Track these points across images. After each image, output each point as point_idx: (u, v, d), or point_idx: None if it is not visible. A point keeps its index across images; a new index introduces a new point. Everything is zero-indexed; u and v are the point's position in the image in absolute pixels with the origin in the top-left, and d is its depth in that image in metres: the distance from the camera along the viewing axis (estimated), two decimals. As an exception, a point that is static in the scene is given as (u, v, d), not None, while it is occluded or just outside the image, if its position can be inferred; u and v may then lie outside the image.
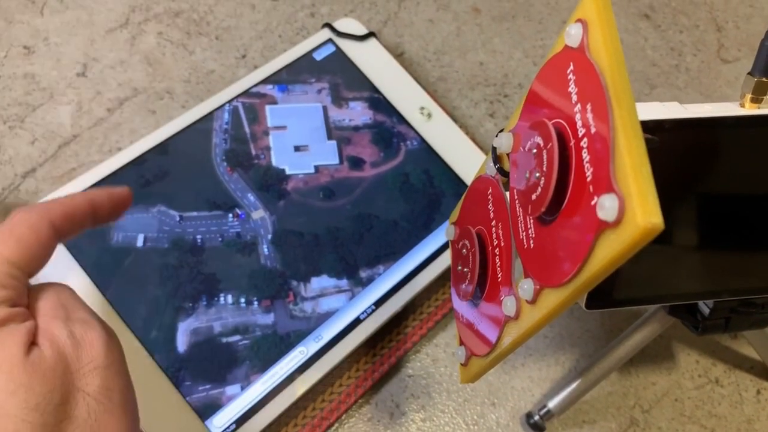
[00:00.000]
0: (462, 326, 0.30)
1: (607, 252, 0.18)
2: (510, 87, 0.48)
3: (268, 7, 0.48)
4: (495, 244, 0.27)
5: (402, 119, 0.43)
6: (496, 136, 0.26)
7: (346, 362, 0.38)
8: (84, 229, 0.28)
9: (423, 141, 0.43)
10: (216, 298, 0.37)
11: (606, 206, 0.18)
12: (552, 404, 0.37)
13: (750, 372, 0.41)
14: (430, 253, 0.40)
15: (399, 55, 0.48)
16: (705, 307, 0.33)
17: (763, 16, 0.54)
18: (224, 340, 0.36)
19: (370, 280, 0.38)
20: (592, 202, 0.19)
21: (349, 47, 0.44)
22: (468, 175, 0.42)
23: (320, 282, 0.38)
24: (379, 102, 0.43)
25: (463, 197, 0.32)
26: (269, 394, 0.35)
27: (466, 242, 0.29)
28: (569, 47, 0.21)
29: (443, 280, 0.40)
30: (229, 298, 0.37)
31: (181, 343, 0.35)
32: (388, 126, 0.43)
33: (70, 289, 0.27)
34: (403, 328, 0.39)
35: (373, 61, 0.44)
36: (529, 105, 0.24)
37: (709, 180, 0.29)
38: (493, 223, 0.27)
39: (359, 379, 0.38)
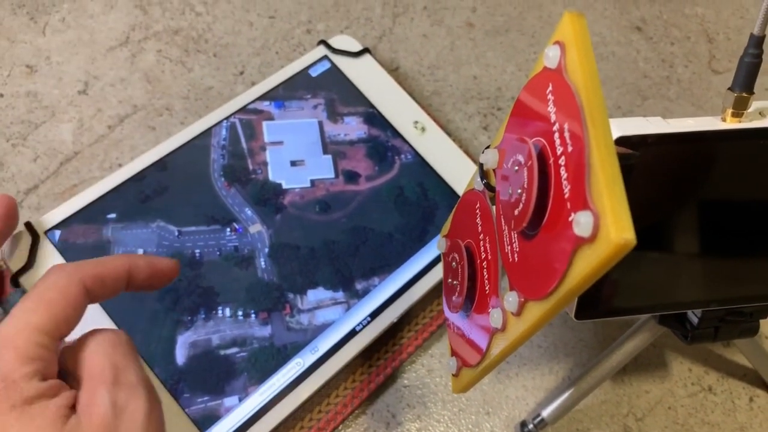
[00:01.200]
0: (454, 337, 0.31)
1: (584, 266, 0.19)
2: (503, 100, 0.49)
3: (266, 25, 0.49)
4: (483, 257, 0.28)
5: (396, 133, 0.44)
6: (483, 152, 0.27)
7: (342, 373, 0.38)
8: (118, 293, 0.27)
9: (417, 154, 0.43)
10: (214, 311, 0.37)
11: (582, 222, 0.19)
12: (546, 413, 0.37)
13: (743, 380, 0.42)
14: (425, 264, 0.40)
15: (394, 70, 0.49)
16: (694, 316, 0.33)
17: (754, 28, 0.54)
18: (222, 352, 0.36)
19: (365, 291, 0.39)
20: (570, 219, 0.19)
21: (344, 63, 0.45)
22: (461, 188, 0.42)
23: (316, 294, 0.39)
24: (373, 116, 0.44)
25: (453, 211, 0.33)
26: (267, 405, 0.36)
27: (456, 255, 0.30)
28: (548, 68, 0.22)
29: (438, 291, 0.41)
30: (227, 311, 0.37)
31: (180, 355, 0.36)
32: (383, 140, 0.43)
33: (127, 342, 0.26)
34: (399, 339, 0.40)
35: (367, 76, 0.45)
36: (513, 123, 0.25)
37: (694, 192, 0.29)
38: (481, 236, 0.28)
39: (355, 389, 0.38)
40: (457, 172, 0.43)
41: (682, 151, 0.28)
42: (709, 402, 0.41)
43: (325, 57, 0.45)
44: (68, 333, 0.25)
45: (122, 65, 0.47)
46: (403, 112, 0.45)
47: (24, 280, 0.36)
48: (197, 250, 0.39)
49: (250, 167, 0.41)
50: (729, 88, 0.29)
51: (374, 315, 0.39)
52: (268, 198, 0.41)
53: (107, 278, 0.26)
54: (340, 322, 0.38)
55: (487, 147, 0.27)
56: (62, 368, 0.25)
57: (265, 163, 0.42)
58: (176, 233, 0.39)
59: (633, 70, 0.52)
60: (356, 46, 0.46)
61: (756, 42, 0.28)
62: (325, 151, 0.43)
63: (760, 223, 0.30)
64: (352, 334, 0.38)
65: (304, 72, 0.45)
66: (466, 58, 0.50)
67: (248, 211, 0.40)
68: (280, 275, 0.39)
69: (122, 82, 0.46)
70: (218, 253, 0.39)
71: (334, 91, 0.44)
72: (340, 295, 0.39)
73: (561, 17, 0.21)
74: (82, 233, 0.38)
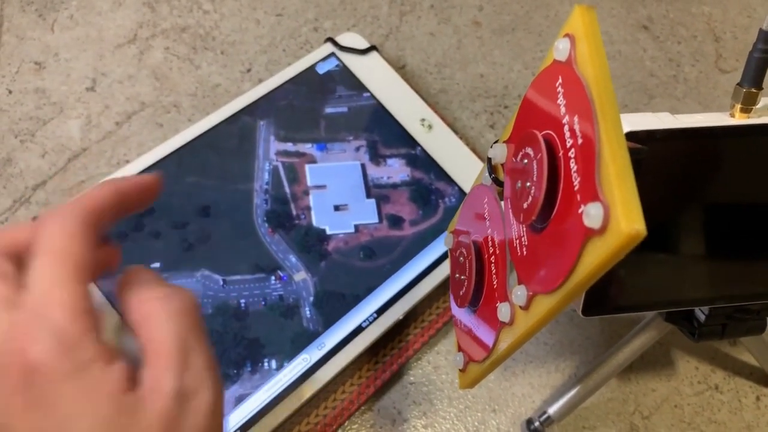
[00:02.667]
0: (461, 332, 0.31)
1: (594, 258, 0.19)
2: (510, 98, 0.49)
3: (273, 22, 0.50)
4: (491, 252, 0.28)
5: (404, 131, 0.44)
6: (491, 146, 0.27)
7: (348, 369, 0.38)
8: (117, 220, 0.25)
9: (424, 152, 0.43)
10: (260, 364, 0.37)
11: (592, 214, 0.19)
12: (552, 410, 0.37)
13: (749, 378, 0.41)
14: (432, 261, 0.40)
15: (401, 68, 0.49)
16: (701, 313, 0.33)
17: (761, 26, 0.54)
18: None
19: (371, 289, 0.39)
20: (579, 210, 0.19)
21: (351, 61, 0.45)
22: (468, 185, 0.42)
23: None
24: (416, 157, 0.43)
25: (460, 207, 0.33)
26: (273, 400, 0.36)
27: (463, 251, 0.30)
28: (558, 61, 0.22)
29: (444, 288, 0.41)
30: (273, 364, 0.37)
31: (227, 411, 0.35)
32: (426, 183, 0.42)
33: (197, 310, 0.24)
34: (405, 335, 0.40)
35: (374, 73, 0.45)
36: (522, 117, 0.25)
37: (702, 188, 0.29)
38: (489, 231, 0.28)
39: (362, 386, 0.38)
40: (464, 169, 0.43)
41: (690, 146, 0.28)
42: (715, 400, 0.41)
43: (333, 54, 0.45)
44: (93, 279, 0.23)
45: (130, 62, 0.47)
46: (410, 109, 0.45)
47: (32, 274, 0.36)
48: (242, 300, 0.38)
49: (294, 212, 0.41)
50: (738, 84, 0.29)
51: (380, 311, 0.39)
52: (312, 244, 0.40)
53: (101, 208, 0.24)
54: (346, 319, 0.38)
55: (496, 141, 0.27)
56: (125, 321, 0.23)
57: (309, 208, 0.41)
58: (221, 282, 0.38)
59: (640, 69, 0.52)
60: (363, 44, 0.46)
61: (765, 37, 0.28)
62: (369, 195, 0.42)
63: (769, 219, 0.30)
64: (359, 330, 0.38)
65: (311, 69, 0.45)
66: (473, 57, 0.50)
67: (293, 258, 0.39)
68: (325, 324, 0.38)
69: (130, 79, 0.46)
70: (263, 302, 0.38)
71: (376, 132, 0.43)
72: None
73: (570, 12, 0.21)
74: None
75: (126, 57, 0.47)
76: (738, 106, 0.28)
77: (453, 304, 0.32)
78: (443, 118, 0.46)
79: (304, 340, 0.37)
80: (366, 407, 0.39)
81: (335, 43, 0.45)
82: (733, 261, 0.31)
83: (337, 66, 0.45)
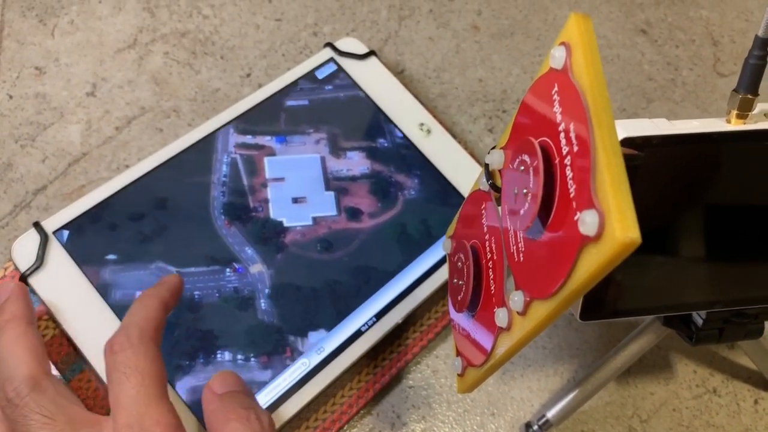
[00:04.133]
0: (459, 337, 0.31)
1: (590, 265, 0.19)
2: (508, 103, 0.49)
3: (272, 27, 0.50)
4: (488, 257, 0.28)
5: (402, 135, 0.44)
6: (488, 153, 0.27)
7: (347, 373, 0.38)
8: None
9: (423, 156, 0.44)
10: (213, 355, 0.37)
11: (587, 221, 0.19)
12: (551, 414, 0.38)
13: (747, 382, 0.42)
14: (431, 265, 0.41)
15: (400, 73, 0.49)
16: (698, 318, 0.34)
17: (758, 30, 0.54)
18: None
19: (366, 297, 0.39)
20: (575, 218, 0.20)
21: (350, 66, 0.45)
22: (466, 190, 0.43)
23: (318, 336, 0.38)
24: (376, 150, 0.43)
25: (458, 211, 0.33)
26: (272, 405, 0.36)
27: (461, 255, 0.30)
28: (554, 69, 0.22)
29: (443, 292, 0.41)
30: (227, 355, 0.37)
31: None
32: (386, 175, 0.42)
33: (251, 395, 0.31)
34: (404, 339, 0.40)
35: (373, 78, 0.45)
36: (518, 124, 0.25)
37: (698, 194, 0.29)
38: (487, 237, 0.28)
39: (361, 390, 0.39)
40: (463, 173, 0.43)
41: (686, 152, 0.28)
42: (713, 404, 0.41)
43: (332, 59, 0.45)
44: None
45: (130, 67, 0.47)
46: (409, 114, 0.45)
47: (33, 280, 0.36)
48: (196, 292, 0.38)
49: (251, 205, 0.41)
50: (734, 90, 0.29)
51: (379, 316, 0.39)
52: (269, 237, 0.40)
53: (158, 325, 0.30)
54: (345, 323, 0.38)
55: (493, 147, 0.27)
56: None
57: (267, 201, 0.41)
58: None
59: (638, 73, 0.52)
60: (362, 49, 0.46)
61: (761, 44, 0.28)
62: (328, 188, 0.42)
63: (765, 224, 0.30)
64: (358, 334, 0.38)
65: (310, 74, 0.45)
66: (472, 61, 0.51)
67: (249, 251, 0.39)
68: (280, 317, 0.38)
69: (130, 84, 0.46)
70: (218, 294, 0.38)
71: (336, 124, 0.43)
72: None
73: (566, 19, 0.22)
74: (90, 234, 0.38)
75: (126, 62, 0.47)
76: (734, 112, 0.29)
77: (451, 309, 0.32)
78: (442, 123, 0.46)
79: (258, 333, 0.38)
80: (365, 411, 0.39)
81: (334, 48, 0.46)
82: (730, 266, 0.31)
83: (336, 71, 0.45)
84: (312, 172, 0.42)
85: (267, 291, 0.38)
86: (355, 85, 0.45)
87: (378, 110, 0.44)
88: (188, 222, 0.40)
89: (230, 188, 0.41)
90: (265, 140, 0.43)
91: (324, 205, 0.41)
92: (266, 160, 0.42)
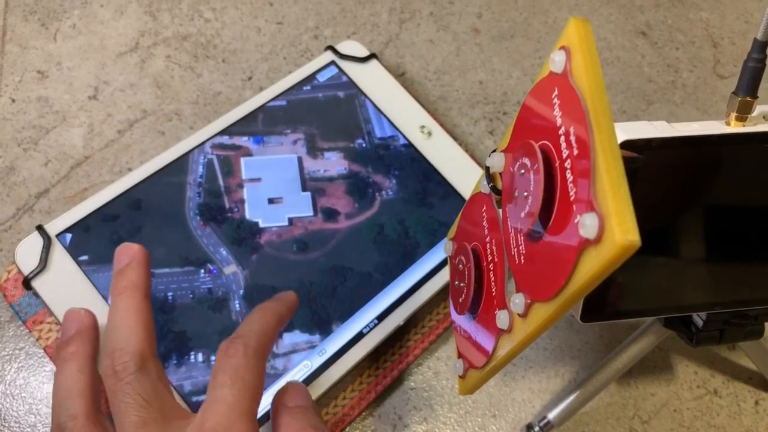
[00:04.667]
0: (460, 339, 0.31)
1: (590, 267, 0.19)
2: (509, 105, 0.49)
3: (273, 30, 0.50)
4: (489, 259, 0.28)
5: (403, 138, 0.44)
6: (489, 156, 0.27)
7: (349, 376, 0.39)
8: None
9: (424, 158, 0.44)
10: (186, 357, 0.36)
11: (587, 224, 0.19)
12: (552, 415, 0.38)
13: (748, 383, 0.42)
14: (432, 268, 0.41)
15: (400, 75, 0.49)
16: (699, 319, 0.34)
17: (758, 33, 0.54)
18: (194, 399, 0.36)
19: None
20: (575, 220, 0.20)
21: (351, 69, 0.46)
22: (468, 192, 0.43)
23: (292, 338, 0.38)
24: (354, 151, 0.43)
25: (459, 214, 0.33)
26: (275, 406, 0.36)
27: (463, 258, 0.30)
28: (554, 73, 0.22)
29: (444, 294, 0.41)
30: (200, 356, 0.37)
31: None
32: (364, 176, 0.42)
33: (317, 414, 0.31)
34: (406, 341, 0.40)
35: (374, 81, 0.46)
36: (519, 127, 0.25)
37: (698, 196, 0.30)
38: (488, 239, 0.28)
39: (362, 392, 0.39)
40: (464, 176, 0.43)
41: (686, 154, 0.29)
42: (714, 405, 0.41)
43: (333, 62, 0.46)
44: None
45: (132, 71, 0.47)
46: (410, 116, 0.45)
47: (36, 283, 0.36)
48: (170, 293, 0.38)
49: (227, 205, 0.40)
50: (733, 92, 0.29)
51: (381, 318, 0.39)
52: (244, 237, 0.40)
53: (271, 341, 0.31)
54: (347, 325, 0.38)
55: (494, 150, 0.27)
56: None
57: (242, 201, 0.41)
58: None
59: (638, 75, 0.52)
60: (363, 52, 0.46)
61: (760, 46, 0.28)
62: (304, 188, 0.42)
63: (765, 226, 0.30)
64: (360, 336, 0.38)
65: (311, 77, 0.45)
66: (472, 63, 0.51)
67: (223, 252, 0.39)
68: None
69: (132, 87, 0.47)
70: (191, 295, 0.38)
71: (315, 125, 0.43)
72: (316, 338, 0.38)
73: (566, 22, 0.22)
74: (92, 236, 0.38)
75: (128, 65, 0.47)
76: (733, 115, 0.29)
77: (453, 311, 0.32)
78: (443, 125, 0.46)
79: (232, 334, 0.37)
80: (367, 413, 0.39)
81: (335, 51, 0.46)
82: (730, 267, 0.31)
83: (337, 74, 0.45)
84: (289, 173, 0.42)
85: (241, 292, 0.38)
86: (356, 88, 0.45)
87: (379, 113, 0.45)
88: (163, 222, 0.39)
89: (206, 189, 0.41)
90: (242, 141, 0.43)
91: (300, 206, 0.41)
92: (243, 160, 0.42)
